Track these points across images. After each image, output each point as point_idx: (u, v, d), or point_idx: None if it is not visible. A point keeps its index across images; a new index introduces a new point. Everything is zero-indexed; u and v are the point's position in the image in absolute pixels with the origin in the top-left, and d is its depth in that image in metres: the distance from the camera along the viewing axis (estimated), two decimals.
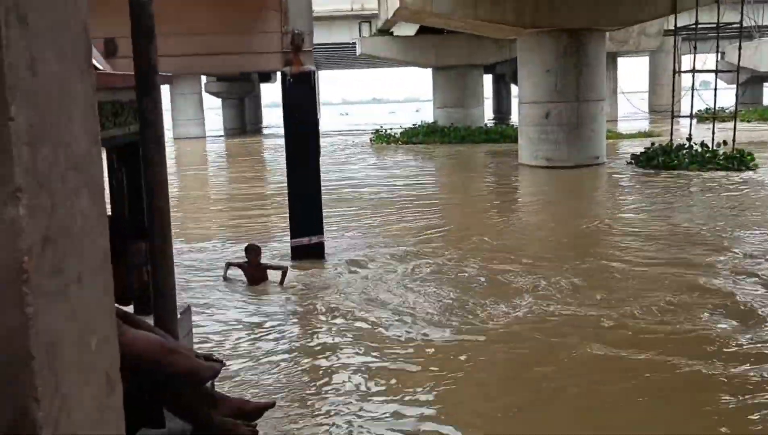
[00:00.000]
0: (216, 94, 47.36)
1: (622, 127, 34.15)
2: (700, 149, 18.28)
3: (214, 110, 51.75)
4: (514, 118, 28.49)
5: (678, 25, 19.95)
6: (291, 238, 8.89)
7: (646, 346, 5.56)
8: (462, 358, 5.52)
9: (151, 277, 2.99)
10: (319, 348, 5.86)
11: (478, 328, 6.17)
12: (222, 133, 44.33)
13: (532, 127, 19.45)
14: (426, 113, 36.22)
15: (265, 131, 46.86)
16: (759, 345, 5.57)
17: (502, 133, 30.21)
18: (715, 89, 20.72)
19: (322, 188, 9.08)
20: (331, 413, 4.57)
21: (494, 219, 12.50)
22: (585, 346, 5.61)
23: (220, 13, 8.94)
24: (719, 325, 6.07)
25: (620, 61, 44.05)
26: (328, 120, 61.81)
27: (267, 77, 49.62)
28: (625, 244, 9.61)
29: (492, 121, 40.44)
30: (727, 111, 25.43)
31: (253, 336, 6.21)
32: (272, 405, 3.33)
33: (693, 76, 19.97)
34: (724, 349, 5.50)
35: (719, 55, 30.73)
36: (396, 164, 22.71)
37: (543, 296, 6.99)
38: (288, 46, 8.37)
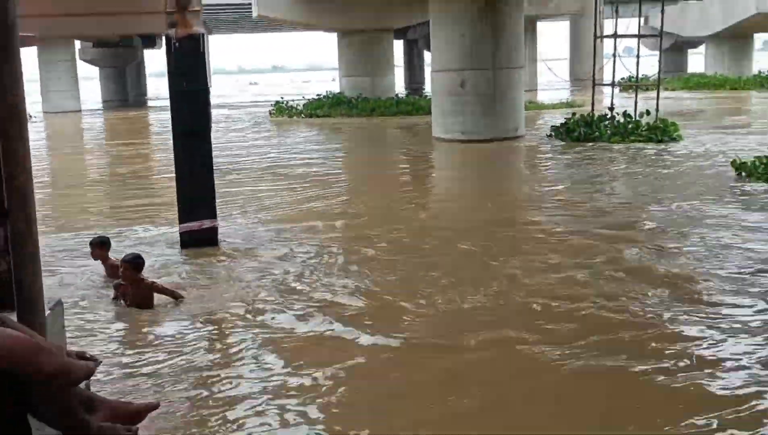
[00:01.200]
0: (92, 62, 45.91)
1: (543, 97, 35.01)
2: (622, 120, 18.91)
3: (91, 80, 50.20)
4: (429, 88, 28.63)
5: None
6: (179, 223, 8.62)
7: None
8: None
9: (12, 266, 2.89)
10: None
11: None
12: (101, 106, 43.07)
13: (447, 98, 19.65)
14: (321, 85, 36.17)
15: (151, 103, 45.79)
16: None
17: (415, 105, 30.39)
18: (638, 56, 21.40)
19: (214, 167, 8.90)
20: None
21: (403, 201, 12.52)
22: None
23: None
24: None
25: (540, 25, 44.98)
26: (235, 90, 60.88)
27: (151, 42, 48.47)
28: (538, 218, 9.93)
29: (404, 92, 40.53)
30: (650, 79, 26.27)
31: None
32: (156, 406, 3.29)
33: (615, 42, 20.57)
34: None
35: (642, 19, 31.79)
36: (299, 139, 22.55)
37: (462, 289, 7.16)
38: (173, 6, 8.09)
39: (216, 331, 6.09)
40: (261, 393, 4.83)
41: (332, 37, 35.93)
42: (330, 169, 16.10)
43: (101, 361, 3.23)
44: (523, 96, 20.41)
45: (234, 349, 5.69)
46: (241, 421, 4.46)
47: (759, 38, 51.76)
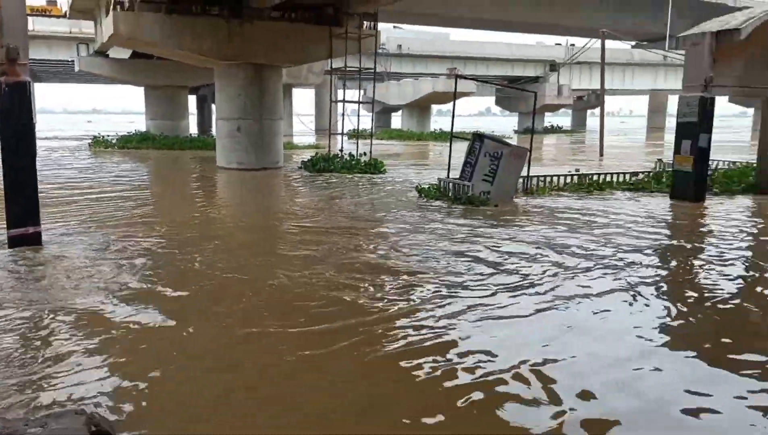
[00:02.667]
0: None
1: (297, 140, 35.22)
2: (348, 158, 19.53)
3: None
4: (215, 130, 27.90)
5: (333, 67, 21.08)
6: (8, 229, 7.68)
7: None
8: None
9: None
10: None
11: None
12: None
13: (227, 138, 19.19)
14: (141, 123, 33.81)
15: None
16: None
17: (204, 142, 29.51)
18: (359, 115, 22.27)
19: (40, 186, 7.98)
20: None
21: (195, 209, 12.03)
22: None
23: None
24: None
25: (295, 90, 45.29)
26: (72, 126, 54.96)
27: None
28: (294, 220, 9.99)
29: (196, 133, 39.00)
30: (367, 131, 27.40)
31: None
32: None
33: (344, 106, 21.27)
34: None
35: (362, 91, 33.11)
36: (113, 163, 20.81)
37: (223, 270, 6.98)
38: (2, 59, 7.30)
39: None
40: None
41: (141, 89, 33.65)
42: (138, 186, 15.02)
43: None
44: (282, 139, 20.40)
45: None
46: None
47: (435, 108, 55.93)
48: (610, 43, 31.75)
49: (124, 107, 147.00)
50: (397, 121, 59.12)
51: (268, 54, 18.54)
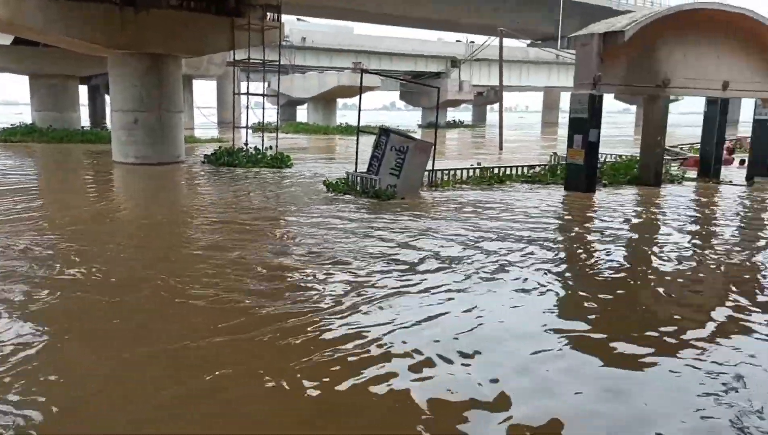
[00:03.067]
0: None
1: (198, 133, 33.99)
2: (254, 152, 19.12)
3: None
4: (109, 123, 26.30)
5: (236, 59, 20.53)
6: None
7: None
8: None
9: None
10: None
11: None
12: None
13: (123, 131, 18.19)
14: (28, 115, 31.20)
15: None
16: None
17: (98, 135, 27.92)
18: (263, 108, 21.90)
19: None
20: None
21: (86, 206, 11.34)
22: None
23: None
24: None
25: (195, 82, 43.66)
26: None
27: None
28: (198, 214, 9.66)
29: (89, 126, 36.60)
30: (273, 124, 26.95)
31: None
32: None
33: (248, 98, 20.77)
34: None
35: (266, 83, 32.50)
36: None
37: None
38: None
39: None
40: None
41: (26, 78, 31.10)
42: (29, 181, 13.94)
43: None
44: (183, 132, 19.63)
45: None
46: None
47: (341, 101, 55.94)
48: (507, 42, 33.06)
49: (6, 98, 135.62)
50: (302, 114, 58.48)
51: (167, 44, 17.76)
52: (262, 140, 19.96)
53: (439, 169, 14.56)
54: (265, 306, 5.42)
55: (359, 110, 15.58)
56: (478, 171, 15.40)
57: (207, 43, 19.14)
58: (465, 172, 15.17)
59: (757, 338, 4.96)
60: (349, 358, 4.37)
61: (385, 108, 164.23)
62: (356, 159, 13.79)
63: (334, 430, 3.50)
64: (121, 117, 18.20)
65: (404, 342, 4.66)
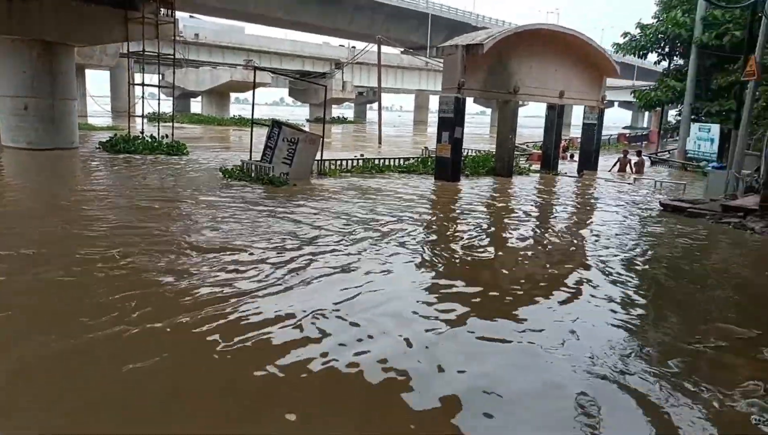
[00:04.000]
0: None
1: (93, 121, 31.29)
2: (150, 140, 18.01)
3: None
4: None
5: (130, 50, 19.14)
6: None
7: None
8: None
9: None
10: None
11: None
12: None
13: (13, 117, 16.40)
14: None
15: None
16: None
17: None
18: (159, 99, 20.63)
19: None
20: None
21: None
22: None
23: None
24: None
25: (88, 72, 40.17)
26: None
27: None
28: (93, 199, 8.99)
29: None
30: (168, 115, 25.50)
31: None
32: None
33: (143, 89, 19.46)
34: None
35: (161, 75, 30.58)
36: None
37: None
38: None
39: None
40: None
41: None
42: None
43: None
44: (77, 119, 18.01)
45: None
46: None
47: (233, 96, 53.93)
48: (385, 49, 33.49)
49: None
50: (196, 106, 55.74)
51: (59, 32, 16.17)
52: (158, 129, 18.84)
53: (327, 159, 14.60)
54: (173, 283, 5.23)
55: (252, 104, 15.19)
56: (361, 161, 15.62)
57: (100, 33, 17.66)
58: (349, 162, 15.32)
59: (586, 301, 5.52)
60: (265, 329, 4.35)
61: (275, 103, 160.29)
62: (251, 148, 13.47)
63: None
64: (10, 102, 16.37)
65: (291, 306, 4.71)
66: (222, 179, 12.32)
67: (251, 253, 6.31)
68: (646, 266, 6.82)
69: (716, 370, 3.97)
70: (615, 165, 19.22)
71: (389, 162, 16.23)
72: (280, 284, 5.32)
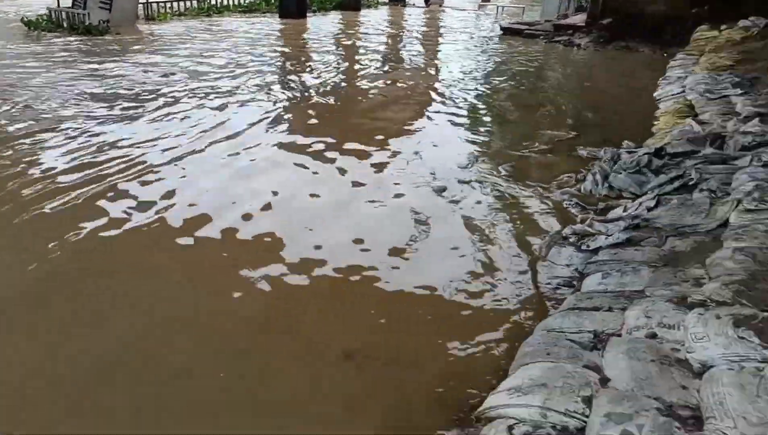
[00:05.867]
0: None
1: None
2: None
3: None
4: None
5: None
6: None
7: None
8: None
9: None
10: None
11: None
12: None
13: None
14: None
15: None
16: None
17: None
18: None
19: None
20: None
21: None
22: None
23: None
24: None
25: None
26: None
27: None
28: None
29: None
30: None
31: None
32: None
33: None
34: None
35: None
36: None
37: None
38: None
39: None
40: None
41: None
42: None
43: None
44: None
45: None
46: None
47: None
48: None
49: None
50: None
51: None
52: None
53: (155, 1, 12.81)
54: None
55: None
56: (195, 2, 13.94)
57: None
58: (182, 3, 13.61)
59: (428, 127, 5.69)
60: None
61: None
62: None
63: None
64: None
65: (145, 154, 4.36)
66: (27, 32, 10.42)
67: (82, 107, 5.58)
68: (486, 86, 7.14)
69: (539, 169, 4.43)
70: None
71: (228, 1, 14.68)
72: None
